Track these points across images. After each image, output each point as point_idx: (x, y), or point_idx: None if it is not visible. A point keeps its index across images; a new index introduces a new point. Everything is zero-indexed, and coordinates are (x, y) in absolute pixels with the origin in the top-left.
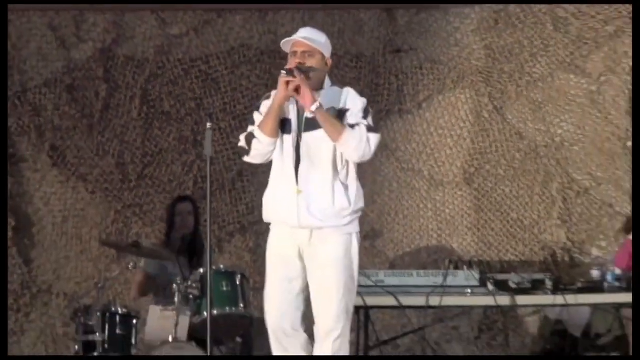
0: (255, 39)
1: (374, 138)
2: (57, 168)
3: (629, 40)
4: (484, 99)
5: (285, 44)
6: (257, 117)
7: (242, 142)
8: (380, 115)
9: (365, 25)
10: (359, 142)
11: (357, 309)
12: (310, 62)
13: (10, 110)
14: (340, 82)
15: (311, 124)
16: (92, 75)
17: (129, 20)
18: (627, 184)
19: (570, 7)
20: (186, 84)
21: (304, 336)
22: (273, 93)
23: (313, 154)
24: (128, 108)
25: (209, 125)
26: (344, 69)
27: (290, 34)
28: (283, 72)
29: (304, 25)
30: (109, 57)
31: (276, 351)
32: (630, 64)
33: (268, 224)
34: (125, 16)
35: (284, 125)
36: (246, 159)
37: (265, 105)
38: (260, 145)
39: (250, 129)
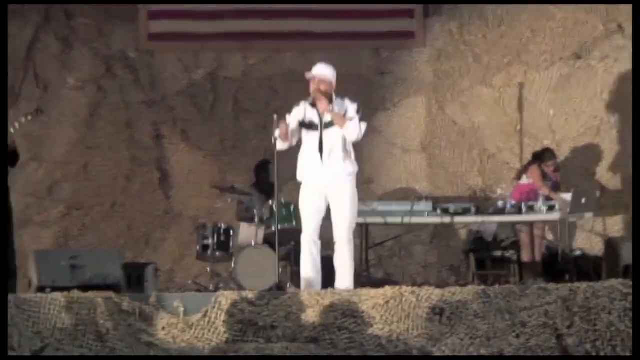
0: (298, 67)
1: (364, 125)
2: (184, 142)
3: (519, 66)
4: (432, 101)
5: (308, 74)
6: (288, 117)
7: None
8: (371, 111)
9: (362, 58)
10: (355, 128)
11: (360, 225)
12: (323, 87)
13: (157, 108)
14: (348, 92)
15: (328, 124)
16: (204, 88)
17: (225, 55)
18: (518, 151)
19: (484, 46)
20: (259, 92)
21: (319, 245)
22: (302, 103)
23: (331, 141)
24: (225, 107)
25: (275, 117)
26: (350, 84)
27: (315, 65)
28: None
29: (325, 60)
30: (214, 77)
31: (306, 256)
32: (519, 81)
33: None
34: (224, 53)
35: (311, 125)
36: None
37: (295, 110)
38: (279, 143)
39: (287, 119)
